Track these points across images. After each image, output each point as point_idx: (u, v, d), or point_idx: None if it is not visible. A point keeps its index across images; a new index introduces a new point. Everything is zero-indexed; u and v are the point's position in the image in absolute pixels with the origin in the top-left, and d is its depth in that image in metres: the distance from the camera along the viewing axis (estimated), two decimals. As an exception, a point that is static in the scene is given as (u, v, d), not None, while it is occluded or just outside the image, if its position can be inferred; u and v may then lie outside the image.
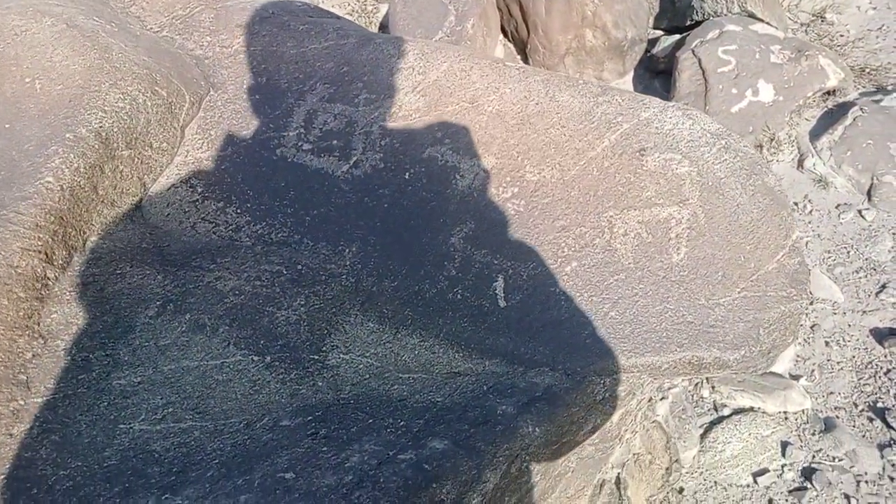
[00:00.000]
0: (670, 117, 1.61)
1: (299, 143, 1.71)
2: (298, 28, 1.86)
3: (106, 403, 1.28)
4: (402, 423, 1.27)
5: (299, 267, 1.55)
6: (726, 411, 2.32)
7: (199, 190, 1.66)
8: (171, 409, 1.30)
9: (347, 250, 1.58)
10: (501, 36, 4.39)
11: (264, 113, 1.75)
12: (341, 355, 1.44)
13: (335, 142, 1.70)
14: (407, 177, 1.64)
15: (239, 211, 1.63)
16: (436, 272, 1.54)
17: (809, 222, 2.94)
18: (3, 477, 1.13)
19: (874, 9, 4.28)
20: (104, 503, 1.09)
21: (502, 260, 1.51)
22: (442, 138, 1.67)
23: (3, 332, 1.26)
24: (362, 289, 1.54)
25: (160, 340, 1.42)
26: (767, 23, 3.77)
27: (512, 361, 1.41)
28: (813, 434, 2.23)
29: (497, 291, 1.49)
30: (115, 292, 1.45)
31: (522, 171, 1.60)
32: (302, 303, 1.49)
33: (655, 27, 4.37)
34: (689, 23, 4.19)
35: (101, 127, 1.46)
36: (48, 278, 1.37)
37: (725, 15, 3.93)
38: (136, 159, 1.56)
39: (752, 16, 3.86)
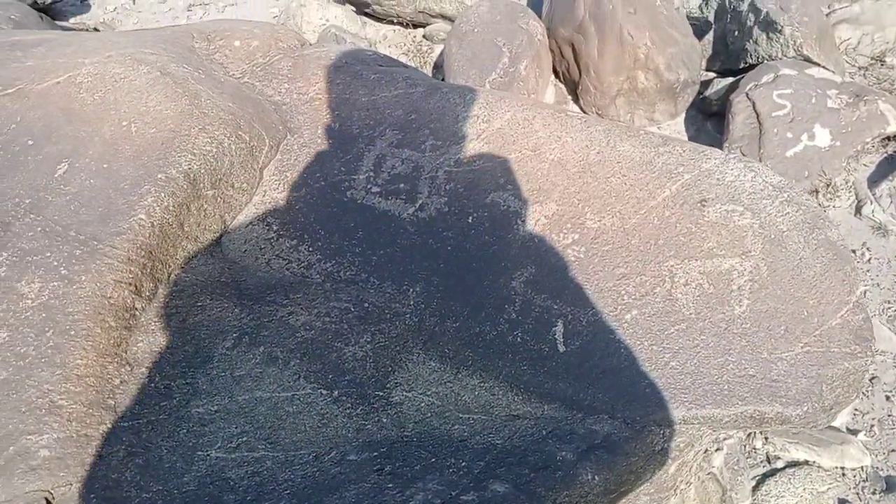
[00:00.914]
0: (732, 169, 1.63)
1: (368, 186, 1.79)
2: (370, 77, 1.97)
3: (185, 430, 1.36)
4: (463, 464, 1.31)
5: (366, 305, 1.61)
6: (780, 464, 2.28)
7: (275, 228, 1.76)
8: (244, 439, 1.37)
9: (412, 290, 1.64)
10: (553, 77, 4.47)
11: (337, 157, 1.84)
12: (404, 393, 1.49)
13: (402, 185, 1.78)
14: (470, 220, 1.70)
15: (311, 249, 1.72)
16: (496, 315, 1.58)
17: (868, 271, 2.89)
18: (93, 497, 1.21)
19: None
20: (185, 528, 1.15)
21: (562, 305, 1.55)
22: (504, 184, 1.73)
23: (95, 358, 1.35)
24: (425, 328, 1.59)
25: (235, 371, 1.50)
26: (824, 67, 3.75)
27: (571, 407, 1.43)
28: (873, 493, 2.17)
29: (556, 336, 1.53)
30: (196, 323, 1.54)
31: (583, 218, 1.65)
32: (368, 340, 1.55)
33: (708, 69, 4.39)
34: (742, 66, 4.20)
35: (189, 168, 1.57)
36: (136, 309, 1.47)
37: (780, 59, 3.93)
38: (219, 198, 1.67)
39: (807, 59, 3.85)
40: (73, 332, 1.33)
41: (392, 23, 5.28)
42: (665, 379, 1.40)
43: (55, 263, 1.41)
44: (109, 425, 1.31)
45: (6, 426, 1.23)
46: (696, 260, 1.53)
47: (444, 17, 5.19)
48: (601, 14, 4.22)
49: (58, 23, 5.06)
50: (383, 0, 5.14)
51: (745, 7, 4.23)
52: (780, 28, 3.85)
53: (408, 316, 1.61)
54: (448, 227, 1.71)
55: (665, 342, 1.45)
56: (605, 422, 1.38)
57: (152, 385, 1.41)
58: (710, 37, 4.54)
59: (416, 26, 5.20)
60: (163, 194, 1.52)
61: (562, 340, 1.52)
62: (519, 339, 1.55)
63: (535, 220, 1.67)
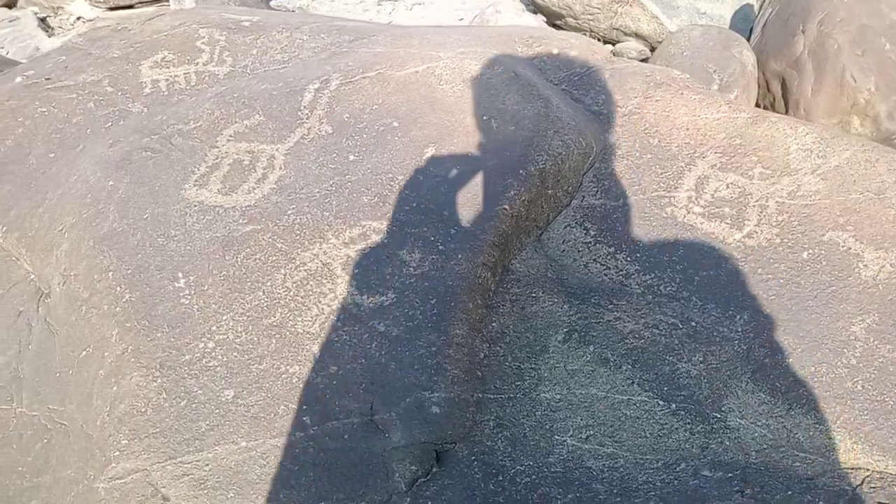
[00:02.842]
0: None
1: (690, 206, 1.80)
2: (691, 98, 1.98)
3: (539, 413, 1.43)
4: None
5: (693, 324, 1.62)
6: None
7: (592, 233, 1.81)
8: (591, 432, 1.42)
9: (738, 317, 1.63)
10: (754, 109, 4.29)
11: (655, 172, 1.87)
12: (738, 419, 1.48)
13: (727, 209, 1.77)
14: (805, 256, 1.66)
15: (629, 259, 1.75)
16: (834, 358, 1.53)
17: None
18: (474, 459, 1.30)
19: None
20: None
21: (914, 361, 1.47)
22: (844, 224, 1.68)
23: (468, 331, 1.46)
24: (754, 357, 1.57)
25: (569, 365, 1.55)
26: None
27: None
28: None
29: (907, 392, 1.45)
30: (532, 313, 1.62)
31: (939, 272, 1.56)
32: (700, 359, 1.55)
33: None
34: None
35: (543, 168, 1.66)
36: (490, 290, 1.57)
37: None
38: (553, 198, 1.75)
39: None
40: (452, 304, 1.45)
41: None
42: None
43: (432, 238, 1.53)
44: (479, 395, 1.40)
45: (402, 379, 1.36)
46: None
47: (638, 35, 5.13)
48: (823, 52, 4.00)
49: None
50: (579, 14, 5.16)
51: None
52: None
53: (736, 342, 1.60)
54: (779, 260, 1.68)
55: None
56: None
57: (507, 364, 1.49)
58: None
59: (606, 42, 5.17)
60: (522, 188, 1.62)
61: (911, 397, 1.44)
62: (860, 386, 1.49)
63: (880, 267, 1.61)
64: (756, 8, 5.12)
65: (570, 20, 5.49)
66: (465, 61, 1.85)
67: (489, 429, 1.37)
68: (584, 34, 5.28)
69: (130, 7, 5.32)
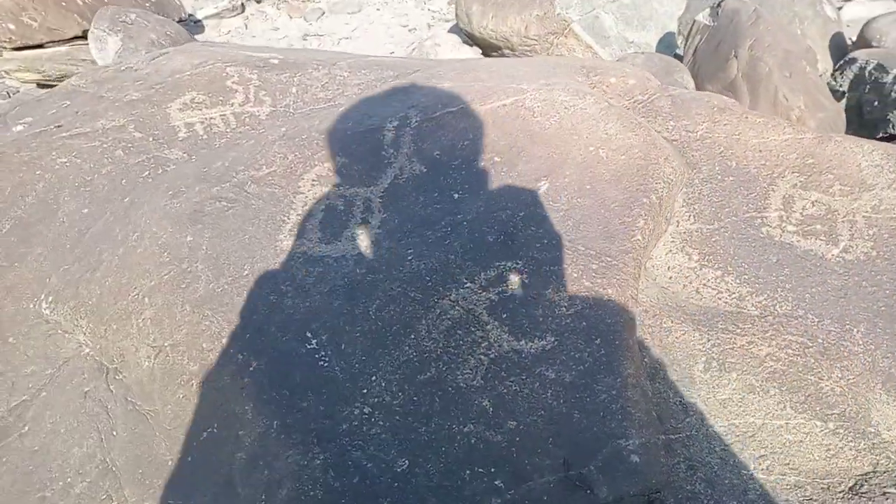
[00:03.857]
0: None
1: (783, 225, 1.84)
2: (756, 121, 2.04)
3: (718, 448, 1.39)
4: None
5: (819, 340, 1.64)
6: None
7: (695, 258, 1.81)
8: (769, 462, 1.39)
9: (856, 330, 1.66)
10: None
11: (740, 193, 1.90)
12: (888, 431, 1.50)
13: (819, 226, 1.82)
14: (903, 267, 1.73)
15: (738, 281, 1.76)
16: (954, 361, 1.59)
17: None
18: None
19: None
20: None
21: None
22: (932, 234, 1.77)
23: (636, 370, 1.40)
24: (879, 369, 1.61)
25: (718, 395, 1.53)
26: None
27: None
28: None
29: None
30: (669, 344, 1.59)
31: None
32: (839, 375, 1.57)
33: (843, 136, 4.42)
34: (880, 135, 4.22)
35: (660, 195, 1.65)
36: (635, 321, 1.52)
37: None
38: (659, 225, 1.73)
39: None
40: (617, 342, 1.39)
41: None
42: None
43: (575, 275, 1.47)
44: (663, 436, 1.34)
45: (591, 428, 1.28)
46: None
47: None
48: (756, 75, 4.34)
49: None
50: (516, 45, 5.33)
51: (889, 79, 4.30)
52: None
53: (860, 355, 1.63)
54: (880, 272, 1.74)
55: None
56: None
57: (670, 400, 1.44)
58: (841, 105, 4.59)
59: None
60: (648, 218, 1.59)
61: None
62: None
63: (974, 271, 1.70)
64: (678, 36, 5.47)
65: (506, 52, 5.63)
66: (554, 92, 1.82)
67: (683, 472, 1.31)
68: None
69: (40, 47, 4.94)
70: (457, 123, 1.83)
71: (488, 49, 5.62)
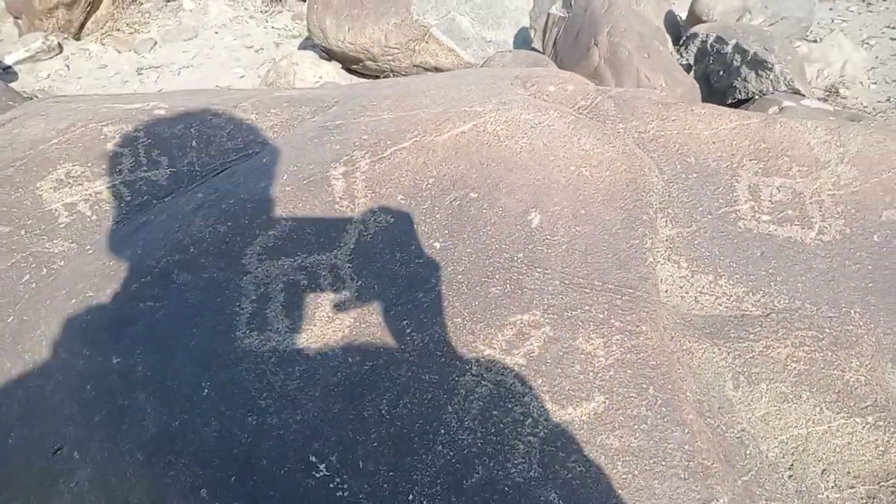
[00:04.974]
0: None
1: (757, 216, 1.79)
2: (700, 112, 1.99)
3: (784, 477, 1.28)
4: None
5: (827, 330, 1.60)
6: None
7: (684, 265, 1.71)
8: (833, 476, 1.32)
9: (853, 311, 1.64)
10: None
11: (708, 190, 1.84)
12: (915, 413, 1.48)
13: (790, 212, 1.80)
14: (876, 239, 1.74)
15: (732, 282, 1.69)
16: (946, 325, 1.62)
17: None
18: None
19: (874, 83, 4.94)
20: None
21: None
22: (891, 202, 1.80)
23: (696, 414, 1.25)
24: (885, 347, 1.60)
25: (756, 412, 1.43)
26: (814, 98, 4.23)
27: None
28: None
29: None
30: (696, 367, 1.46)
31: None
32: (857, 364, 1.53)
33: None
34: (729, 101, 4.61)
35: (654, 209, 1.52)
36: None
37: (773, 92, 4.38)
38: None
39: (797, 92, 4.32)
40: (670, 387, 1.23)
41: (378, 77, 5.36)
42: None
43: (601, 316, 1.30)
44: (740, 482, 1.20)
45: (677, 500, 1.11)
46: None
47: (439, 69, 5.37)
48: (617, 60, 4.56)
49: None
50: (378, 56, 5.23)
51: (729, 50, 4.70)
52: (770, 66, 4.32)
53: (864, 337, 1.61)
54: (858, 248, 1.74)
55: None
56: None
57: (728, 435, 1.31)
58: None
59: None
60: (652, 235, 1.46)
61: None
62: (979, 346, 1.59)
63: (937, 233, 1.74)
64: (530, 30, 5.60)
65: (368, 63, 5.45)
66: (514, 111, 1.64)
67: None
68: (380, 76, 5.29)
69: None
70: (414, 160, 1.59)
71: (348, 62, 5.40)
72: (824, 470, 1.32)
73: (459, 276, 1.36)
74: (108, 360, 1.23)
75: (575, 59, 5.05)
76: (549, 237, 1.42)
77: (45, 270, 1.55)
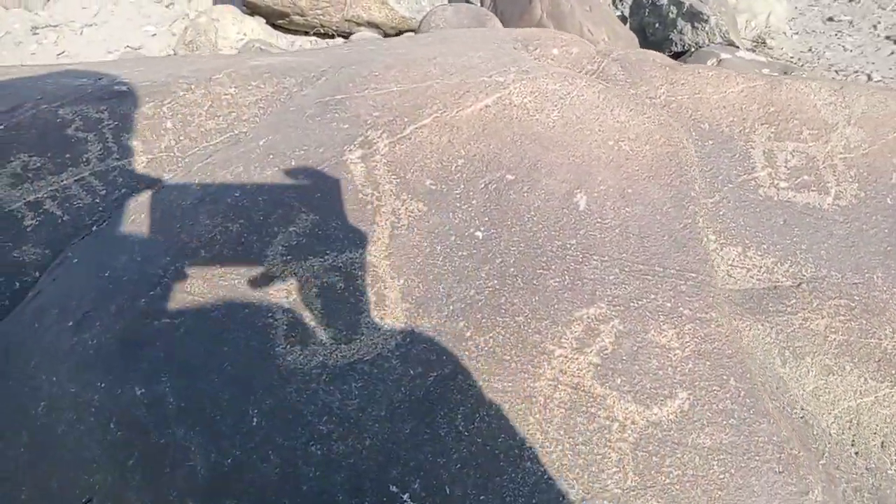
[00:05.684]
0: None
1: (775, 182, 1.77)
2: (708, 74, 1.93)
3: (852, 453, 1.27)
4: None
5: (856, 298, 1.60)
6: None
7: (712, 238, 1.66)
8: (894, 449, 1.31)
9: (875, 276, 1.66)
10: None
11: (725, 157, 1.79)
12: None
13: (806, 177, 1.78)
14: (889, 202, 1.76)
15: (759, 253, 1.66)
16: (960, 284, 1.66)
17: None
18: None
19: (796, 34, 5.16)
20: None
21: None
22: (900, 163, 1.81)
23: (774, 402, 1.21)
24: None
25: (806, 387, 1.42)
26: (747, 49, 4.35)
27: None
28: None
29: None
30: (746, 347, 1.43)
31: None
32: (892, 330, 1.54)
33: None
34: (666, 53, 4.69)
35: (698, 183, 1.45)
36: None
37: (709, 45, 4.47)
38: (686, 213, 1.55)
39: (731, 44, 4.44)
40: (748, 376, 1.18)
41: (307, 34, 5.12)
42: None
43: (668, 304, 1.23)
44: (820, 466, 1.18)
45: (775, 494, 1.06)
46: None
47: (371, 24, 5.17)
48: (560, 13, 4.51)
49: None
50: (307, 10, 4.97)
51: (665, 2, 4.74)
52: (706, 18, 4.39)
53: (890, 302, 1.62)
54: (873, 212, 1.75)
55: None
56: None
57: (794, 415, 1.29)
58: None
59: (339, 35, 5.08)
60: (702, 213, 1.39)
61: None
62: None
63: (943, 193, 1.77)
64: None
65: (296, 18, 5.14)
66: (539, 82, 1.51)
67: (854, 499, 1.16)
68: (309, 32, 5.01)
69: None
70: (438, 140, 1.44)
71: (273, 17, 5.07)
72: (882, 442, 1.32)
73: (511, 269, 1.25)
74: (129, 392, 1.04)
75: (517, 13, 4.91)
76: (599, 221, 1.32)
77: (17, 284, 1.31)
